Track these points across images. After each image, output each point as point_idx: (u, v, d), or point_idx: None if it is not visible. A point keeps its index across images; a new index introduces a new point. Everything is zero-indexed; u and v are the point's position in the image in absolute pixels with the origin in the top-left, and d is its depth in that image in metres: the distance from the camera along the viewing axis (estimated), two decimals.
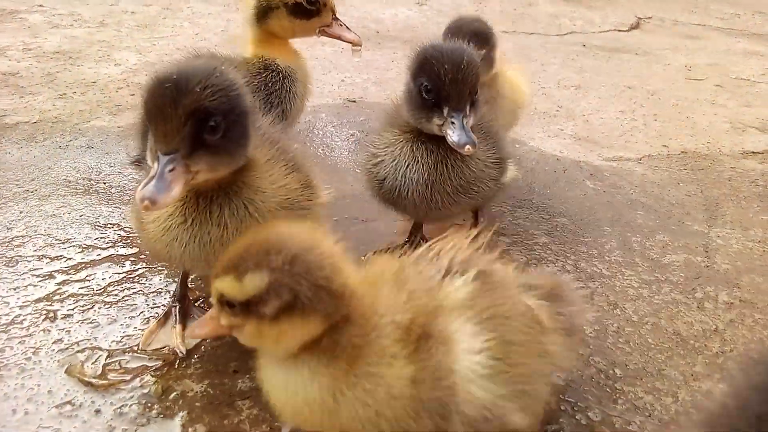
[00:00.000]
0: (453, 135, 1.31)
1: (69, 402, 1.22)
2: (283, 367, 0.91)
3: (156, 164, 1.01)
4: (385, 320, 0.91)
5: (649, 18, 5.13)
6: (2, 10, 4.19)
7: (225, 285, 0.88)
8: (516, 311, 1.00)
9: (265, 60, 1.75)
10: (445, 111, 1.34)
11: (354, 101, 2.97)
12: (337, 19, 1.78)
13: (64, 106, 2.60)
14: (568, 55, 3.90)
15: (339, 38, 1.80)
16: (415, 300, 0.94)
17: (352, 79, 3.24)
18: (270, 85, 1.72)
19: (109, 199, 1.94)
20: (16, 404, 1.21)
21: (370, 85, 3.19)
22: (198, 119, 1.02)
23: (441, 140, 1.39)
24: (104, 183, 2.04)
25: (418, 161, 1.43)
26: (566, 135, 2.66)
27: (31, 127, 2.40)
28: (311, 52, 3.65)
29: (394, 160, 1.46)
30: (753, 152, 2.59)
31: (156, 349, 1.34)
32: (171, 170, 1.00)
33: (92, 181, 2.04)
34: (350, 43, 1.81)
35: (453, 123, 1.32)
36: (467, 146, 1.29)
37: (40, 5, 4.34)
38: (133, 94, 2.78)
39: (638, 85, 3.38)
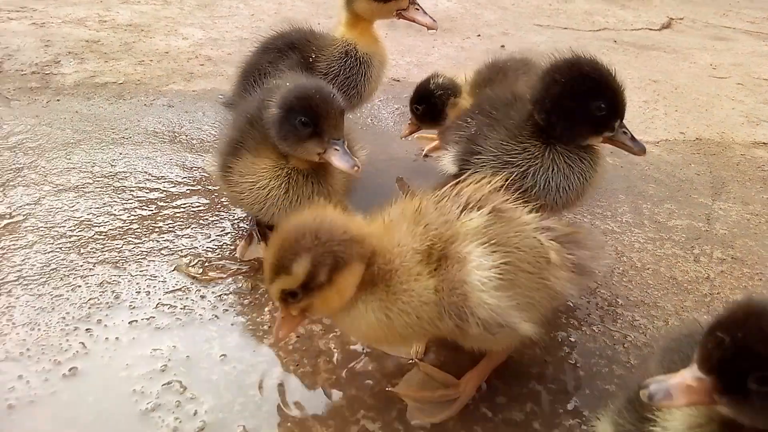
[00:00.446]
0: (635, 143, 1.51)
1: (180, 289, 1.55)
2: (344, 311, 1.18)
3: (337, 146, 1.46)
4: (406, 248, 1.16)
5: (681, 19, 5.32)
6: None
7: (282, 283, 1.11)
8: (524, 244, 1.19)
9: (347, 45, 1.96)
10: (617, 124, 1.50)
11: (398, 80, 3.27)
12: (414, 2, 1.92)
13: (144, 72, 2.95)
14: (598, 50, 4.13)
15: (413, 21, 1.94)
16: (431, 231, 1.17)
17: (396, 62, 3.53)
18: (348, 69, 1.95)
19: (192, 148, 2.28)
20: (138, 287, 1.55)
21: (413, 67, 3.48)
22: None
23: (583, 148, 1.55)
24: (186, 135, 2.37)
25: (574, 170, 1.55)
26: None
27: (118, 87, 2.75)
28: None
29: (543, 174, 1.54)
30: (764, 143, 2.82)
31: (247, 260, 1.66)
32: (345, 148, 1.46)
33: (176, 133, 2.38)
34: (424, 26, 1.95)
35: (625, 133, 1.52)
36: (645, 150, 1.53)
37: None
38: (202, 65, 3.12)
39: (663, 79, 3.61)
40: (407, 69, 3.43)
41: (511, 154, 1.55)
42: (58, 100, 2.59)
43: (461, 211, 1.21)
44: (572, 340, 1.52)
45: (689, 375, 0.90)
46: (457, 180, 1.29)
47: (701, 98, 3.34)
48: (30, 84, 2.72)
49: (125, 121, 2.44)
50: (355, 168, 1.43)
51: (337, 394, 1.34)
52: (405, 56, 3.62)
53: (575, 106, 1.47)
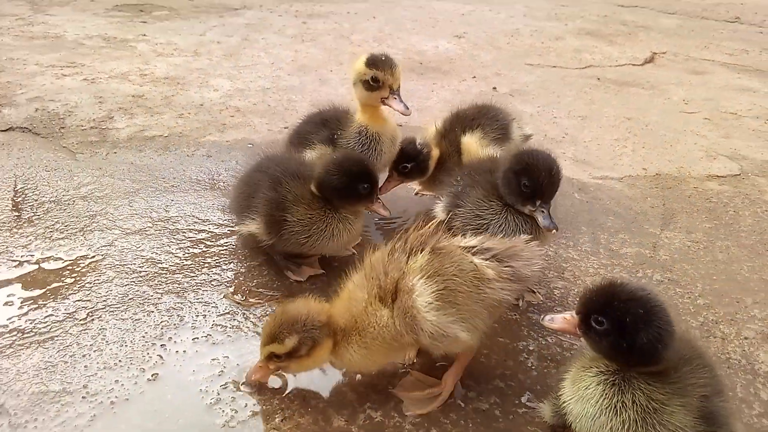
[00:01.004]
0: (543, 220, 1.97)
1: (228, 312, 2.03)
2: (340, 360, 1.69)
3: (380, 200, 2.15)
4: (357, 301, 1.65)
5: (664, 53, 5.76)
6: (114, 38, 5.15)
7: (273, 348, 1.63)
8: (460, 269, 1.62)
9: (360, 126, 2.43)
10: (538, 203, 1.98)
11: (400, 125, 3.74)
12: (393, 93, 2.38)
13: (184, 124, 3.46)
14: (581, 88, 4.60)
15: (391, 107, 2.41)
16: (380, 279, 1.63)
17: None
18: (362, 145, 2.42)
19: (229, 194, 2.76)
20: (197, 311, 2.02)
21: (414, 111, 3.94)
22: None
23: (528, 217, 2.03)
24: (223, 182, 2.87)
25: (518, 229, 2.02)
26: (567, 157, 3.37)
27: (164, 139, 3.27)
28: None
29: (500, 226, 2.04)
30: (717, 176, 3.25)
31: (303, 280, 2.21)
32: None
33: (215, 181, 2.88)
34: (398, 111, 2.40)
35: (543, 212, 1.98)
36: (553, 230, 1.97)
37: (143, 35, 5.30)
38: (232, 116, 3.63)
39: (637, 116, 4.05)
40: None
41: (481, 209, 2.07)
42: (115, 152, 3.10)
43: (408, 257, 1.67)
44: (531, 348, 1.97)
45: (569, 313, 1.52)
46: (405, 230, 1.75)
47: (668, 134, 3.78)
48: (90, 138, 3.25)
49: (172, 170, 2.95)
50: (388, 213, 2.15)
51: (350, 391, 1.80)
52: (406, 100, 4.10)
53: (514, 182, 1.99)
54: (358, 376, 1.84)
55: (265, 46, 5.19)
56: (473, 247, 1.70)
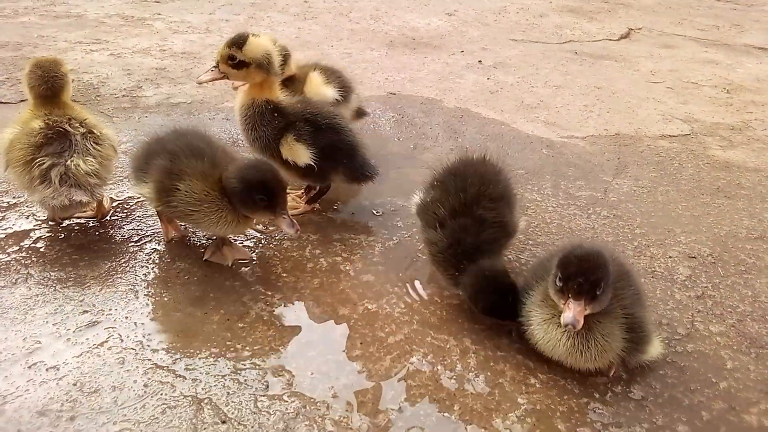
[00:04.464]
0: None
1: (253, 237, 2.53)
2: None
3: (285, 216, 2.52)
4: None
5: (640, 29, 6.20)
6: (131, 17, 5.59)
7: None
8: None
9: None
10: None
11: (394, 94, 4.21)
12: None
13: (204, 93, 3.93)
14: (559, 61, 5.06)
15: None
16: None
17: (393, 78, 4.49)
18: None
19: (248, 149, 3.25)
20: (232, 236, 2.53)
21: (406, 82, 4.43)
22: None
23: None
24: (242, 140, 3.35)
25: None
26: (540, 121, 3.86)
27: (188, 105, 3.74)
28: (361, 55, 4.91)
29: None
30: (669, 136, 3.74)
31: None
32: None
33: (234, 139, 3.36)
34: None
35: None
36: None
37: (159, 13, 5.73)
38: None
39: (606, 86, 4.53)
40: (402, 84, 4.38)
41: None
42: (146, 116, 3.58)
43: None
44: None
45: (572, 304, 1.75)
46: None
47: (632, 101, 4.26)
48: (123, 105, 3.72)
49: None
50: (298, 232, 2.18)
51: (351, 292, 2.31)
52: (400, 72, 4.58)
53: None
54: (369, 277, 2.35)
55: (270, 23, 5.63)
56: None
